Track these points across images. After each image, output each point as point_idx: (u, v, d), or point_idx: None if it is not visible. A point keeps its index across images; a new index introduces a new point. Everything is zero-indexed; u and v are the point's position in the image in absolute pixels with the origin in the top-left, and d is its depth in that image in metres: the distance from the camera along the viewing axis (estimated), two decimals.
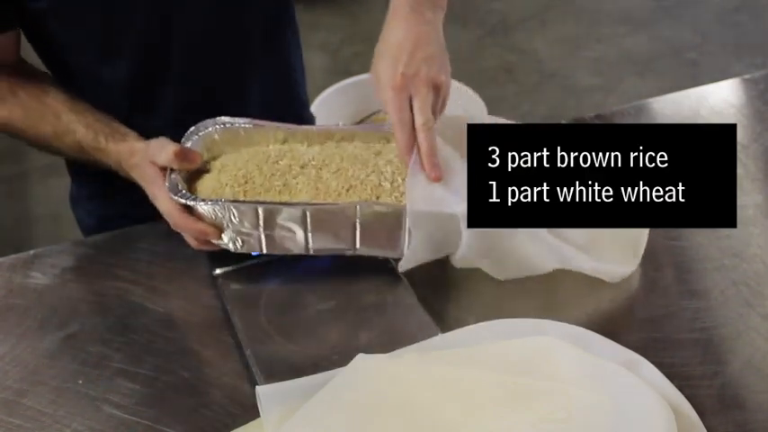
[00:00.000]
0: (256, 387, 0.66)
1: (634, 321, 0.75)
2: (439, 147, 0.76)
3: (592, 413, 0.63)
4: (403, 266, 0.77)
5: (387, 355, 0.69)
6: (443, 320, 0.74)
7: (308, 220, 0.75)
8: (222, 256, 0.81)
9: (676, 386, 0.66)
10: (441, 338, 0.72)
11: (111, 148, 0.85)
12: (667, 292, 0.78)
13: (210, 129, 0.84)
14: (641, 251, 0.80)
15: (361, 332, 0.75)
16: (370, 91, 0.80)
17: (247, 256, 0.81)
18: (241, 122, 0.84)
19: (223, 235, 0.77)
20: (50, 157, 1.01)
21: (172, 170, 0.79)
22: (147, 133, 0.85)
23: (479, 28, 2.88)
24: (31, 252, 0.86)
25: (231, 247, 0.78)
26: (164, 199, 0.79)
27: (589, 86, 2.59)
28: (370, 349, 0.68)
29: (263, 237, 0.77)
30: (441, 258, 0.79)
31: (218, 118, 0.84)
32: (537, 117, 2.45)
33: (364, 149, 0.80)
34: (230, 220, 0.76)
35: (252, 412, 0.67)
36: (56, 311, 0.80)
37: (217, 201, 0.76)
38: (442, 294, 0.79)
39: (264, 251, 0.78)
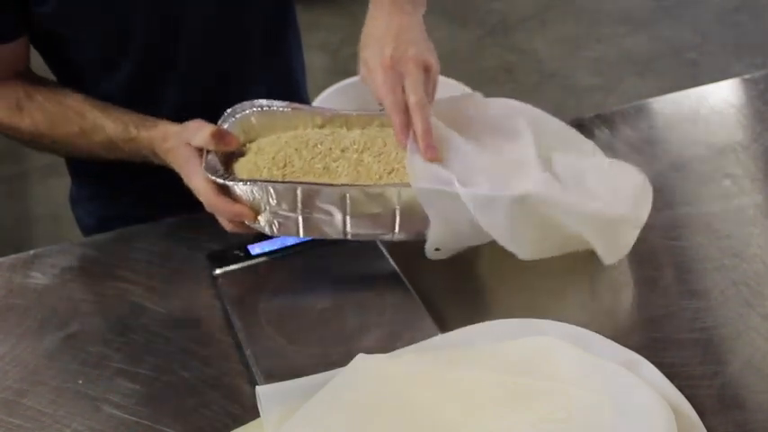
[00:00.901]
0: (256, 387, 0.66)
1: (634, 321, 0.75)
2: (436, 126, 0.75)
3: (592, 413, 0.63)
4: (428, 249, 0.77)
5: (387, 355, 0.69)
6: (443, 320, 0.74)
7: (348, 202, 0.74)
8: (222, 256, 0.81)
9: (676, 386, 0.66)
10: (441, 338, 0.72)
11: (144, 136, 0.84)
12: (667, 292, 0.78)
13: (248, 111, 0.83)
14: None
15: (361, 332, 0.75)
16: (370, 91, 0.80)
17: (247, 257, 0.81)
18: (279, 105, 0.83)
19: (259, 217, 0.76)
20: (50, 156, 1.01)
21: (208, 152, 0.78)
22: None
23: (479, 28, 2.88)
24: (31, 252, 0.86)
25: (267, 230, 0.76)
26: (199, 179, 0.77)
27: (589, 86, 2.59)
28: (370, 349, 0.68)
29: (300, 219, 0.75)
30: (441, 258, 0.79)
31: (255, 101, 0.83)
32: None
33: None
34: (268, 201, 0.74)
35: (252, 412, 0.67)
36: (56, 311, 0.80)
37: (255, 181, 0.74)
38: (442, 294, 0.79)
39: (302, 235, 0.77)
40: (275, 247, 0.82)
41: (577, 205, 0.74)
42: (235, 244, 0.82)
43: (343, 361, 0.67)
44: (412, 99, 0.75)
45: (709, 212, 0.87)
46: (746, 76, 1.09)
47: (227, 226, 0.79)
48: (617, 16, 2.92)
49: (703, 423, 0.64)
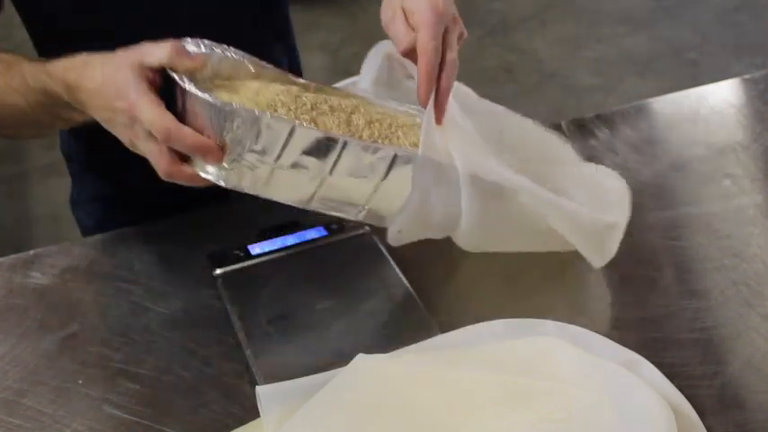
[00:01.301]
0: (256, 387, 0.66)
1: (634, 321, 0.75)
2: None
3: (592, 413, 0.63)
4: (392, 231, 0.73)
5: (387, 355, 0.68)
6: (443, 320, 0.74)
7: (339, 159, 0.66)
8: (222, 257, 0.81)
9: (676, 386, 0.66)
10: (441, 338, 0.72)
11: (57, 68, 0.71)
12: (667, 292, 0.78)
13: (218, 50, 0.71)
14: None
15: (361, 332, 0.75)
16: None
17: (247, 257, 0.81)
18: (248, 59, 0.74)
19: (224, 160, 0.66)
20: (50, 156, 1.01)
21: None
22: None
23: (479, 28, 2.88)
24: (31, 252, 0.86)
25: (219, 178, 0.66)
26: (150, 104, 0.65)
27: (589, 86, 2.59)
28: (370, 349, 0.68)
29: (270, 172, 0.66)
30: (441, 259, 0.79)
31: (223, 46, 0.72)
32: (537, 117, 2.44)
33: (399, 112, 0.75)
34: (248, 139, 0.64)
35: (252, 412, 0.67)
36: (56, 311, 0.80)
37: (250, 109, 0.63)
38: (442, 294, 0.79)
39: (259, 192, 0.68)
40: (275, 247, 0.82)
41: (567, 209, 0.74)
42: (235, 244, 0.82)
43: (343, 361, 0.67)
44: (450, 54, 0.72)
45: (709, 212, 0.87)
46: (746, 76, 1.09)
47: (164, 169, 0.68)
48: (617, 16, 2.93)
49: (703, 423, 0.64)
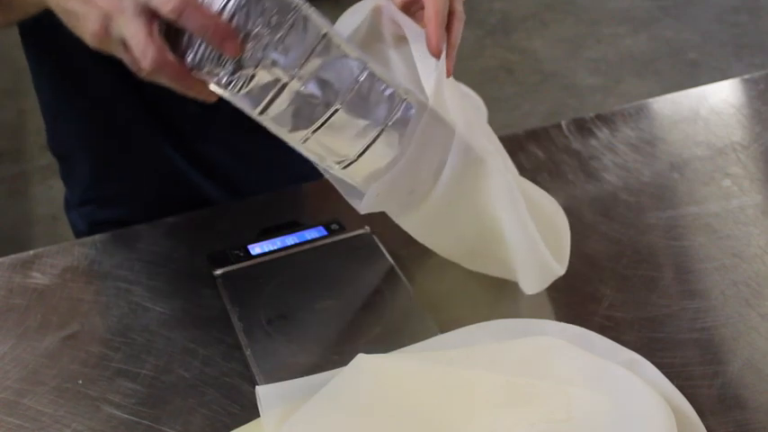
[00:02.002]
0: (256, 387, 0.66)
1: (634, 321, 0.75)
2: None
3: (592, 413, 0.63)
4: (370, 194, 0.67)
5: (387, 355, 0.69)
6: (443, 320, 0.74)
7: (360, 84, 0.61)
8: (222, 257, 0.81)
9: (676, 386, 0.66)
10: (440, 338, 0.72)
11: None
12: (667, 292, 0.78)
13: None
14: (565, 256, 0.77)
15: (361, 332, 0.75)
16: None
17: (247, 257, 0.81)
18: None
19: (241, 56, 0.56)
20: (50, 156, 1.01)
21: None
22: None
23: (479, 28, 2.89)
24: (31, 252, 0.86)
25: (221, 80, 0.58)
26: None
27: (589, 86, 2.59)
28: (370, 349, 0.68)
29: (281, 88, 0.58)
30: (441, 259, 0.79)
31: None
32: (537, 117, 2.45)
33: None
34: (271, 27, 0.56)
35: (252, 412, 0.67)
36: (56, 311, 0.80)
37: None
38: (441, 294, 0.79)
39: (257, 114, 0.60)
40: (275, 247, 0.82)
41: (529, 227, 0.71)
42: (235, 244, 0.82)
43: (343, 361, 0.67)
44: (458, 6, 0.68)
45: (709, 212, 0.87)
46: (746, 76, 1.09)
47: (152, 57, 0.57)
48: (617, 16, 2.93)
49: (703, 423, 0.64)
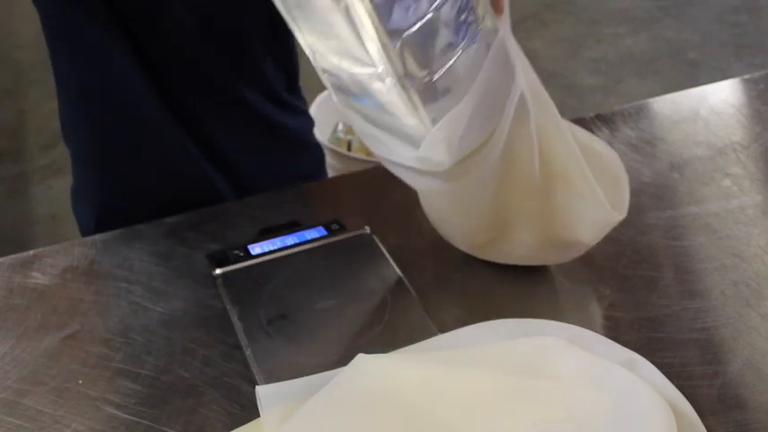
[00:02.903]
0: (256, 387, 0.66)
1: (634, 321, 0.75)
2: None
3: (592, 413, 0.63)
4: (455, 136, 0.61)
5: (387, 354, 0.69)
6: (443, 320, 0.74)
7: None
8: (222, 257, 0.81)
9: (676, 386, 0.66)
10: (440, 338, 0.72)
11: None
12: (667, 292, 0.78)
13: None
14: None
15: (361, 332, 0.75)
16: None
17: (247, 257, 0.81)
18: None
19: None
20: (50, 156, 1.01)
21: None
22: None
23: None
24: (31, 252, 0.86)
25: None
26: None
27: (589, 86, 2.59)
28: (370, 349, 0.68)
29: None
30: (441, 259, 0.79)
31: None
32: None
33: None
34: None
35: (252, 412, 0.67)
36: (56, 311, 0.80)
37: None
38: (442, 294, 0.79)
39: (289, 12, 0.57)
40: (275, 247, 0.82)
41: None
42: (235, 244, 0.82)
43: (343, 361, 0.67)
44: None
45: (709, 212, 0.87)
46: (746, 76, 1.09)
47: None
48: (617, 16, 2.93)
49: (703, 423, 0.64)
